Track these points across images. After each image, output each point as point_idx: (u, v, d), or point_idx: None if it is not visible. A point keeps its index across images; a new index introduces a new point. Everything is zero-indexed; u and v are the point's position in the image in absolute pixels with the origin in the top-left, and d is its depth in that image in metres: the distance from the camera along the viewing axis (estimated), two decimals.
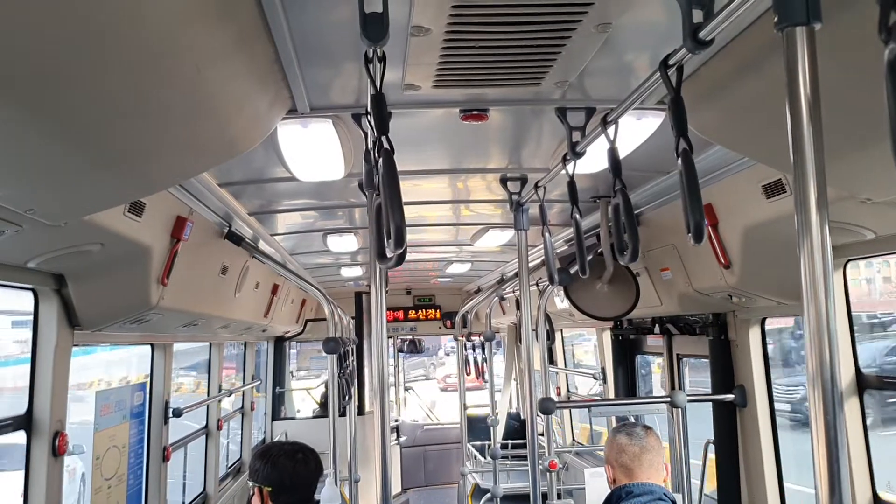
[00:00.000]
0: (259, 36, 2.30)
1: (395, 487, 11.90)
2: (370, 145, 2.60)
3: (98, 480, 4.52)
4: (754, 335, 4.90)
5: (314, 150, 3.48)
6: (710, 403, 5.28)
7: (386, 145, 2.05)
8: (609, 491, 3.63)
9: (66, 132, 1.94)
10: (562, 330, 9.46)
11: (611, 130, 2.72)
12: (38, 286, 3.46)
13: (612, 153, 2.70)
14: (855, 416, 3.90)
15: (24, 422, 3.54)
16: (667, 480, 3.62)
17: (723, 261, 4.03)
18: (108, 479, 4.64)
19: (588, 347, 10.18)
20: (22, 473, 3.55)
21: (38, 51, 1.53)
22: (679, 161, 2.05)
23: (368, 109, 2.21)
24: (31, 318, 3.59)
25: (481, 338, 9.34)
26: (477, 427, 10.70)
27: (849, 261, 3.77)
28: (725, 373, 5.09)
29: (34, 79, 1.62)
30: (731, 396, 5.00)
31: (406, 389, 15.96)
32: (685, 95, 2.13)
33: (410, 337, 13.63)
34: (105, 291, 3.67)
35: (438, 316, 12.64)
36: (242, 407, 9.18)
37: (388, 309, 11.40)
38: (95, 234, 2.98)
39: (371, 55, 2.08)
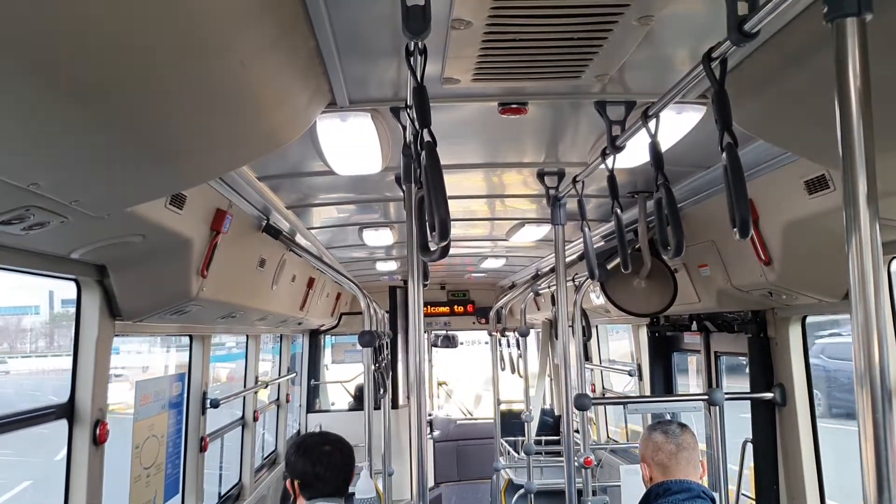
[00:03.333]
0: (301, 29, 2.31)
1: (429, 482, 11.91)
2: (410, 138, 2.60)
3: (137, 469, 4.58)
4: (794, 333, 4.83)
5: (352, 144, 3.49)
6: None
7: (428, 138, 2.05)
8: (645, 489, 3.61)
9: (111, 125, 1.97)
10: (597, 327, 9.41)
11: (651, 124, 2.69)
12: (81, 277, 3.50)
13: (654, 147, 2.67)
14: None
15: (66, 410, 3.59)
16: (703, 478, 3.59)
17: (763, 257, 3.98)
18: (146, 468, 4.70)
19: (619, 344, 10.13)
20: None
21: (87, 46, 1.54)
22: (723, 155, 2.02)
23: (409, 102, 2.21)
24: None
25: (515, 333, 9.31)
26: (510, 423, 10.68)
27: (893, 258, 3.71)
28: (764, 371, 5.03)
29: (82, 73, 1.64)
30: (770, 395, 4.94)
31: (440, 385, 15.96)
32: (727, 89, 2.11)
33: (445, 332, 13.63)
34: (146, 282, 3.72)
35: (472, 310, 12.65)
36: (278, 399, 9.25)
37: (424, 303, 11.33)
38: (137, 225, 3.02)
39: (412, 48, 2.07)
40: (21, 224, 2.40)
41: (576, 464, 4.86)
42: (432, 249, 2.11)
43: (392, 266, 9.13)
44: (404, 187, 3.08)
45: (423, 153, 2.03)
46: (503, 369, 10.62)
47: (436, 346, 14.53)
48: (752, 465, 5.25)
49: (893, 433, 1.36)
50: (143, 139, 2.14)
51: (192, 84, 1.96)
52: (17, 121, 1.76)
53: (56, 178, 2.18)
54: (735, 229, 1.99)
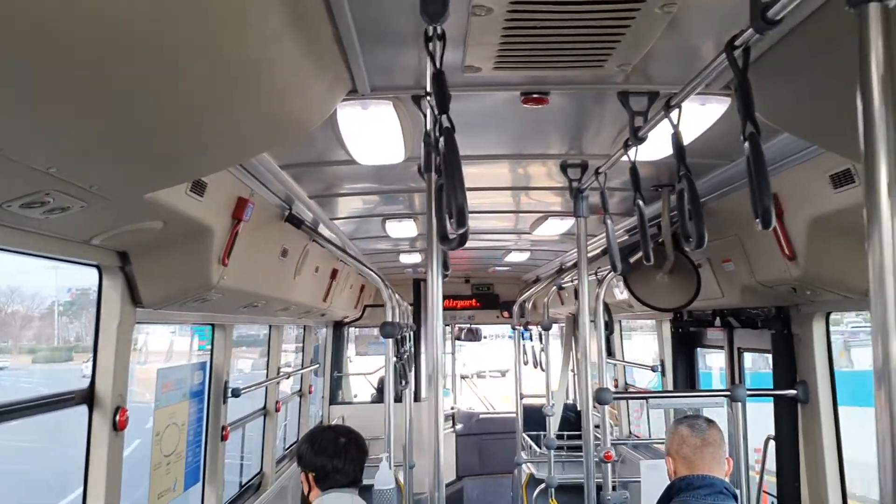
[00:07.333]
0: (320, 15, 2.30)
1: (450, 475, 11.92)
2: (430, 125, 2.59)
3: (157, 457, 4.60)
4: (818, 329, 4.77)
5: (374, 132, 3.47)
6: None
7: (447, 124, 2.04)
8: (668, 483, 3.59)
9: (126, 111, 1.97)
10: (620, 322, 9.36)
11: (674, 115, 2.66)
12: (103, 263, 3.52)
13: (676, 138, 2.65)
14: None
15: (87, 396, 3.62)
16: (728, 474, 3.56)
17: (787, 252, 3.93)
18: (167, 456, 4.72)
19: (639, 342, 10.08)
20: None
21: (104, 31, 1.54)
22: (746, 145, 1.99)
23: (429, 89, 2.20)
24: None
25: (539, 327, 9.29)
26: (532, 417, 10.65)
27: None
28: (788, 368, 4.97)
29: (101, 59, 1.64)
30: (793, 392, 4.88)
31: (462, 378, 15.98)
32: (751, 79, 2.07)
33: (468, 325, 13.62)
34: (167, 270, 3.73)
35: (496, 304, 12.61)
36: (300, 390, 9.28)
37: (446, 297, 11.37)
38: (157, 212, 3.02)
39: (431, 33, 2.06)
40: (42, 208, 2.41)
41: (596, 459, 4.83)
42: (451, 237, 2.10)
43: (416, 258, 9.12)
44: (426, 176, 3.07)
45: (442, 139, 2.02)
46: (526, 363, 10.60)
47: (459, 339, 14.55)
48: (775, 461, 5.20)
49: None
50: (160, 125, 2.14)
51: (208, 69, 1.95)
52: (32, 105, 1.77)
53: (72, 162, 2.19)
54: (757, 220, 1.95)
